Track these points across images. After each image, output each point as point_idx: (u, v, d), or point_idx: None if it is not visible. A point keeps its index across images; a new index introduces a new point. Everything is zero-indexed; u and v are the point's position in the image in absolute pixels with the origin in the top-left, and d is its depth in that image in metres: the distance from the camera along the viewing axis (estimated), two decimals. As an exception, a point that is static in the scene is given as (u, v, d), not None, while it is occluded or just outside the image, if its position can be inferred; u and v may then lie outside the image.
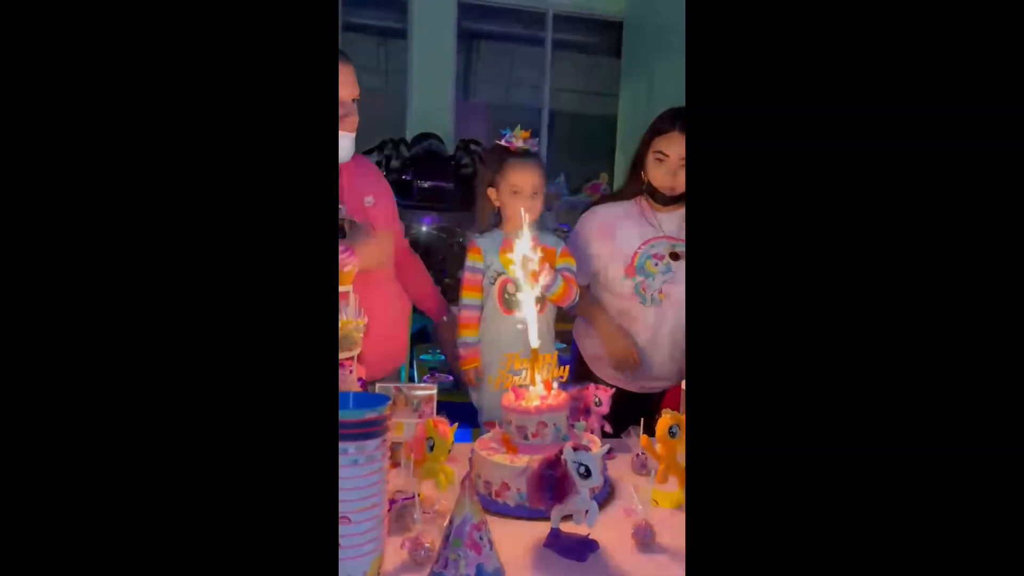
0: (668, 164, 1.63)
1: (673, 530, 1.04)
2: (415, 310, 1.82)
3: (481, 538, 0.88)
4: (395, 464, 1.19)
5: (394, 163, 3.88)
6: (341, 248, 1.21)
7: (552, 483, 0.96)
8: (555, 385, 1.24)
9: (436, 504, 1.09)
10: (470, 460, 1.21)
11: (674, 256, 1.67)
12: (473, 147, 3.96)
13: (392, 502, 1.05)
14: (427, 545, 0.93)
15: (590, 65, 4.75)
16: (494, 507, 1.11)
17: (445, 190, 3.78)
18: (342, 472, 0.79)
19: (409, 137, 4.00)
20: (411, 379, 2.60)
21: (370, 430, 0.83)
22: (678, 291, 1.65)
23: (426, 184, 3.77)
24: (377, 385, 1.31)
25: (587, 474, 0.95)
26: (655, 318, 1.68)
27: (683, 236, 1.68)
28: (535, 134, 1.62)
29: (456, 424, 1.19)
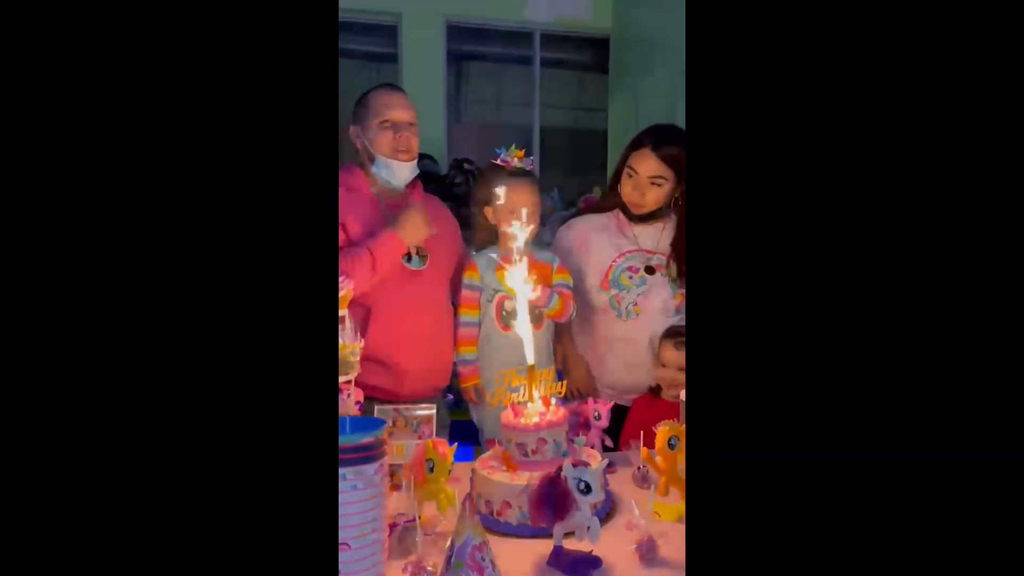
0: (636, 180, 1.63)
1: (675, 542, 1.03)
2: None
3: (483, 559, 0.87)
4: (395, 486, 1.19)
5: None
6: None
7: (553, 500, 0.96)
8: (553, 401, 1.24)
9: (437, 526, 1.09)
10: (471, 480, 1.21)
11: (649, 270, 1.68)
12: (466, 166, 3.99)
13: (393, 525, 1.04)
14: (429, 568, 0.93)
15: (578, 82, 4.80)
16: (496, 526, 1.10)
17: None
18: (341, 498, 0.79)
19: (402, 158, 4.01)
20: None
21: (368, 454, 0.83)
22: (652, 304, 1.65)
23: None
24: (376, 408, 1.31)
25: (587, 490, 0.95)
26: (630, 331, 1.67)
27: (659, 250, 1.69)
28: (527, 151, 1.64)
29: (455, 444, 1.19)
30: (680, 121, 1.69)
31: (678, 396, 1.56)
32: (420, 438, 1.27)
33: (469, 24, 4.36)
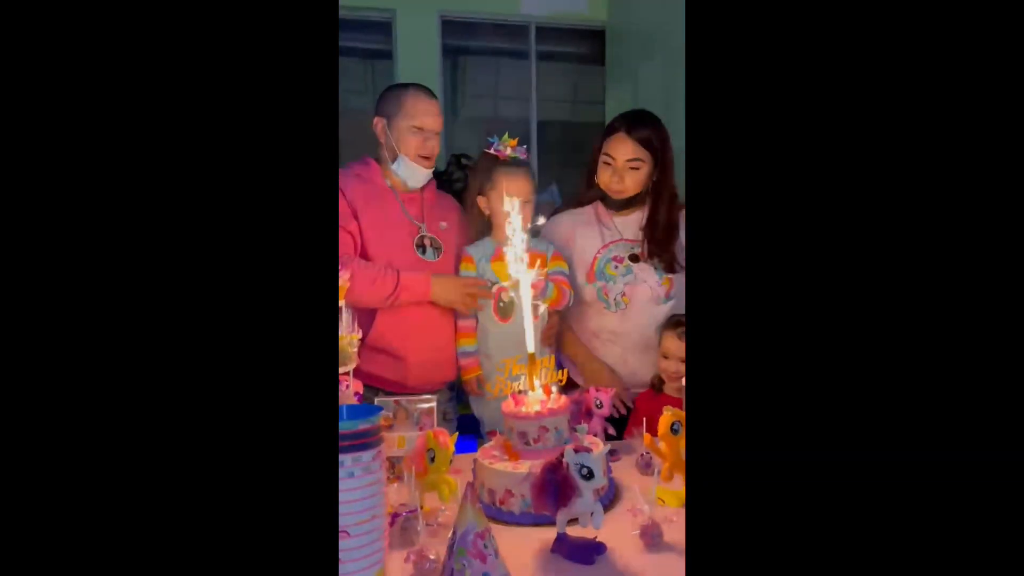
0: (614, 167, 1.63)
1: (680, 528, 1.03)
2: None
3: (486, 546, 0.86)
4: (397, 477, 1.18)
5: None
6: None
7: (555, 487, 0.95)
8: (554, 389, 1.24)
9: (439, 516, 1.08)
10: (473, 471, 1.20)
11: (633, 258, 1.66)
12: (464, 161, 3.97)
13: (395, 516, 1.04)
14: (431, 558, 0.92)
15: (575, 74, 4.78)
16: (500, 515, 1.09)
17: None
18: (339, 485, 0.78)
19: (400, 155, 4.01)
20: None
21: (365, 441, 0.82)
22: (641, 293, 1.64)
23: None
24: (376, 399, 1.30)
25: (589, 475, 0.94)
26: (620, 322, 1.66)
27: (640, 239, 1.68)
28: (525, 144, 1.64)
29: (456, 434, 1.18)
30: (679, 112, 1.69)
31: (680, 390, 1.55)
32: (421, 430, 1.26)
33: (464, 18, 4.34)
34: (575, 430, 1.24)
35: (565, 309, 1.66)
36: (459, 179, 4.10)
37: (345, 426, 0.80)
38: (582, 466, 0.94)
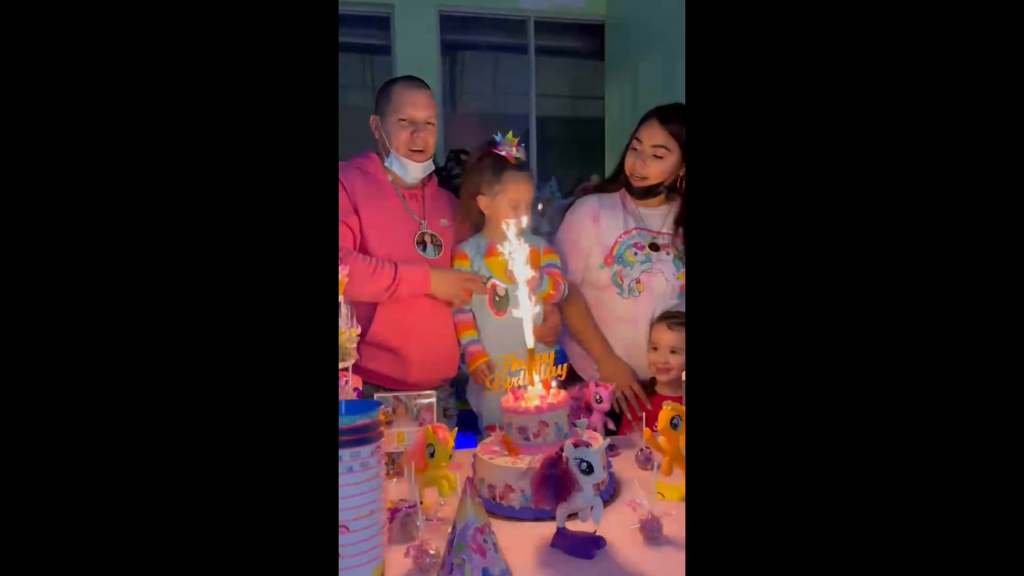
0: (640, 151, 1.64)
1: (679, 522, 1.03)
2: None
3: (485, 541, 0.86)
4: (397, 473, 1.18)
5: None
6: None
7: (555, 482, 0.95)
8: (554, 384, 1.23)
9: (439, 511, 1.08)
10: (472, 466, 1.20)
11: (654, 246, 1.66)
12: (463, 156, 3.97)
13: (395, 511, 1.04)
14: (432, 552, 0.92)
15: (574, 69, 4.77)
16: (499, 510, 1.09)
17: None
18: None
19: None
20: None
21: (364, 436, 0.82)
22: (657, 281, 1.64)
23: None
24: (376, 395, 1.30)
25: (589, 470, 0.94)
26: (632, 309, 1.66)
27: (665, 231, 1.68)
28: (524, 140, 1.64)
29: (456, 429, 1.18)
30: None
31: (670, 384, 1.56)
32: (421, 425, 1.26)
33: (462, 13, 4.33)
34: (575, 425, 1.24)
35: (559, 301, 1.66)
36: (458, 175, 4.10)
37: (344, 421, 0.80)
38: (582, 461, 0.94)
